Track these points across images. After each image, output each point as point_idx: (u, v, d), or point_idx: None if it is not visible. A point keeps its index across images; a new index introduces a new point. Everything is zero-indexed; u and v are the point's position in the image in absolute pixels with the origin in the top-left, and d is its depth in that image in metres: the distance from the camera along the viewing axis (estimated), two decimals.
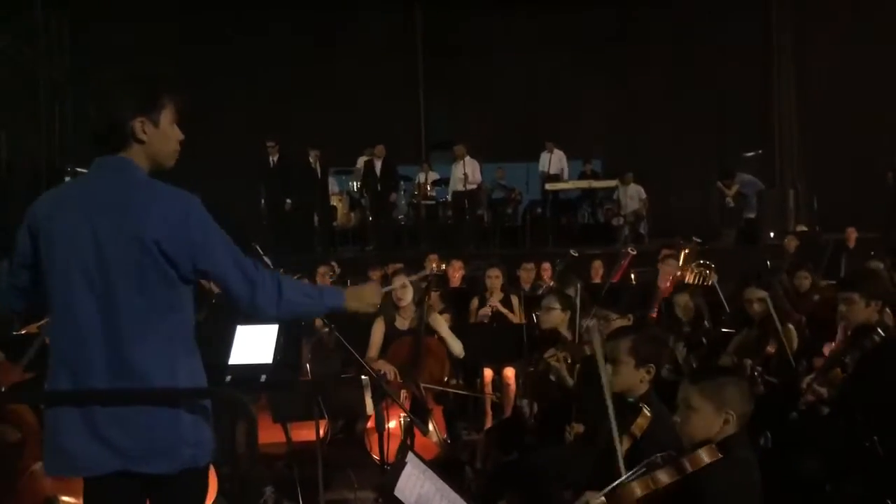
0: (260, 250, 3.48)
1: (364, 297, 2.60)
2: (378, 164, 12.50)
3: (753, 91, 14.79)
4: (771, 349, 4.62)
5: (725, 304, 6.38)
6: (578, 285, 5.38)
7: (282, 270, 4.86)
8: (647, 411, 3.16)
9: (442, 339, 5.37)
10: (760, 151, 14.89)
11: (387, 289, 3.31)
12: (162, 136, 2.32)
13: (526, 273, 8.25)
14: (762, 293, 4.91)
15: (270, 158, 12.39)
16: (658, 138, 15.00)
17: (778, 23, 14.44)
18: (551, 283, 7.95)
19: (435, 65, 15.36)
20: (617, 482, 2.64)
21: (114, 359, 2.21)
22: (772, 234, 13.02)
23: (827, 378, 3.81)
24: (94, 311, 2.21)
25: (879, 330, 3.80)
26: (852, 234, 10.63)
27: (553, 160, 13.63)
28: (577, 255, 8.48)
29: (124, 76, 2.32)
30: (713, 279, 8.53)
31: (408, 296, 5.36)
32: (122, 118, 2.27)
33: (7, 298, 2.40)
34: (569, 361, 4.51)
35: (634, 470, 2.66)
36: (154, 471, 2.23)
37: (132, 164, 2.29)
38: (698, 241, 9.83)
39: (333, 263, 8.59)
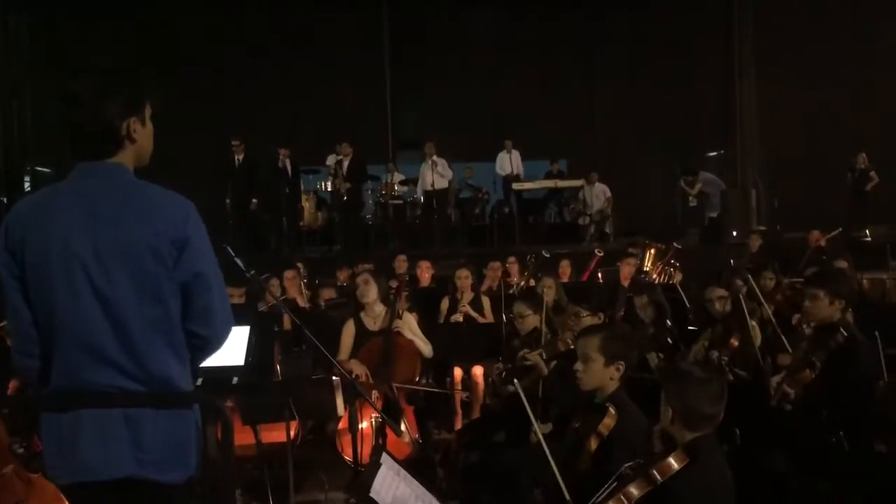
0: (231, 252, 3.42)
1: None
2: (346, 163, 12.41)
3: (715, 93, 15.04)
4: (735, 342, 4.70)
5: (687, 302, 6.48)
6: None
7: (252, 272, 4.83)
8: (612, 410, 3.20)
9: (411, 340, 5.34)
10: (723, 151, 15.13)
11: None
12: (147, 133, 2.24)
13: (493, 272, 8.32)
14: (723, 292, 5.02)
15: (235, 157, 12.23)
16: (622, 139, 15.16)
17: (739, 27, 14.65)
18: (523, 284, 8.03)
19: (402, 64, 15.33)
20: (590, 502, 2.66)
21: (129, 367, 2.12)
22: (734, 233, 13.22)
23: (795, 378, 3.87)
24: (104, 325, 2.10)
25: (843, 330, 3.88)
26: (815, 235, 10.74)
27: (513, 159, 13.58)
28: (548, 255, 8.80)
29: (105, 76, 2.18)
30: (678, 278, 8.67)
31: (371, 293, 5.32)
32: (117, 121, 2.17)
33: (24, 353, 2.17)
34: (544, 357, 4.55)
35: (606, 486, 2.67)
36: (164, 479, 2.14)
37: (124, 167, 2.20)
38: (677, 246, 9.97)
39: (300, 265, 8.47)
